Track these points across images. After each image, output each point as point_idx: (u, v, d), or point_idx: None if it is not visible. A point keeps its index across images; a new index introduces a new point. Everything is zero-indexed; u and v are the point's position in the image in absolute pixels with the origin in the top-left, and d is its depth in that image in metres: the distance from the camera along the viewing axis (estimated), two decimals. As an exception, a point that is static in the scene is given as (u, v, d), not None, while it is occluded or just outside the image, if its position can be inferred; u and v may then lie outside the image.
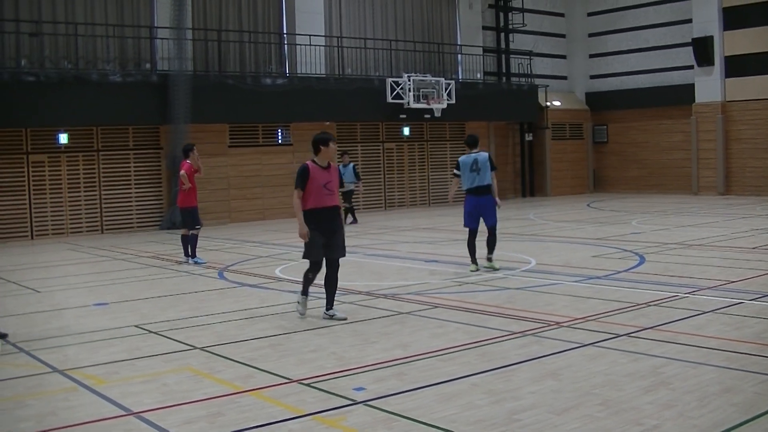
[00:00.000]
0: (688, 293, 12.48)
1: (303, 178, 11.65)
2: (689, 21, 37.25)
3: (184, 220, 18.78)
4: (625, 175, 40.90)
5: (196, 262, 18.40)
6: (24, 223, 26.83)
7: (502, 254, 17.68)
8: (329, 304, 11.77)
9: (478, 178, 15.53)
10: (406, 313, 11.80)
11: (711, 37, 35.90)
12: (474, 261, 15.80)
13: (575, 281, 13.84)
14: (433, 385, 8.04)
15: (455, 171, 15.90)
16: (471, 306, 12.05)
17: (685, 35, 37.71)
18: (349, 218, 27.50)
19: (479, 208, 15.68)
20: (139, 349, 10.15)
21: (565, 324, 10.58)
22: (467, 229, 15.94)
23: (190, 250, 18.66)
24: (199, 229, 18.74)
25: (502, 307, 11.95)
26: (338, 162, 25.77)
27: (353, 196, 28.55)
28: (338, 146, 32.88)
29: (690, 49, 36.77)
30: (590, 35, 42.45)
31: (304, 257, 11.71)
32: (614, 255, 17.17)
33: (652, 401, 7.28)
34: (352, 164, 27.77)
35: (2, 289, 15.88)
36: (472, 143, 15.87)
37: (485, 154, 15.77)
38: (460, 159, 15.82)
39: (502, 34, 40.28)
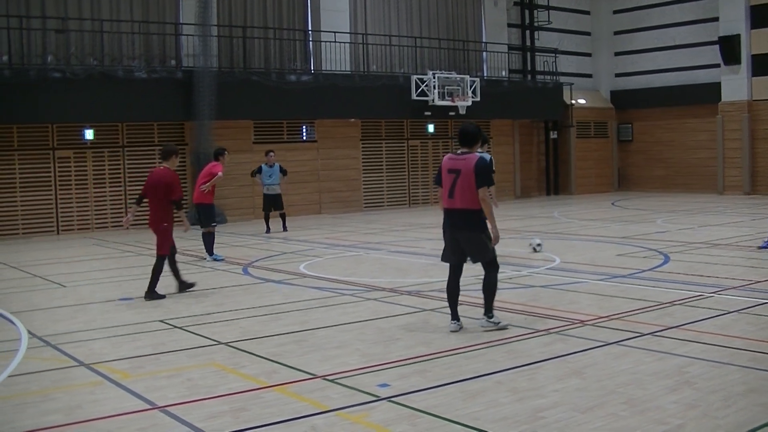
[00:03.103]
0: (713, 293, 12.44)
1: (491, 171, 10.61)
2: (716, 19, 37.02)
3: (200, 218, 18.89)
4: (650, 174, 40.73)
5: (214, 259, 18.46)
6: (50, 218, 26.98)
7: (526, 252, 17.68)
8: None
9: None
10: (430, 310, 11.82)
11: (738, 36, 35.68)
12: None
13: (600, 279, 13.82)
14: (456, 382, 8.06)
15: None
16: (495, 303, 12.00)
17: (711, 33, 37.47)
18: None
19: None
20: (163, 344, 10.21)
21: (589, 322, 10.56)
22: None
23: (207, 248, 18.71)
24: (215, 226, 18.89)
25: (527, 305, 11.94)
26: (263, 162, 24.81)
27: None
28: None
29: (716, 47, 36.57)
30: (616, 33, 42.25)
31: (492, 259, 10.58)
32: (639, 254, 17.12)
33: (676, 401, 7.27)
34: (277, 164, 24.86)
35: (29, 283, 15.99)
36: (482, 140, 15.79)
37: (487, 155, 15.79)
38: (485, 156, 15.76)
39: (527, 32, 40.15)
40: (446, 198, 10.40)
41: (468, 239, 10.34)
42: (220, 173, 18.52)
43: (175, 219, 14.02)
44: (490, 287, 10.45)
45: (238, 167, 27.64)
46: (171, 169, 14.12)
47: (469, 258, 10.49)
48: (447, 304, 10.70)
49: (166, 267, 13.99)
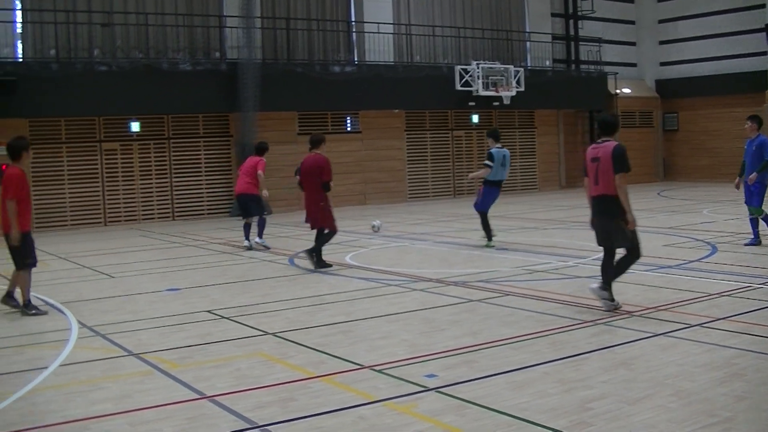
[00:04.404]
0: (762, 284, 12.30)
1: (627, 158, 10.62)
2: (761, 6, 36.65)
3: (246, 208, 19.19)
4: (695, 164, 40.39)
5: (263, 245, 18.96)
6: (97, 209, 27.23)
7: (572, 243, 17.61)
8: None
9: (503, 172, 17.61)
10: (477, 300, 11.78)
11: (784, 23, 35.32)
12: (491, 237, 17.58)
13: (646, 270, 13.71)
14: (503, 373, 8.03)
15: (488, 162, 17.47)
16: (542, 294, 11.99)
17: (757, 21, 37.06)
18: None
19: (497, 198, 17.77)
20: (211, 334, 10.27)
21: (636, 313, 10.49)
22: (479, 212, 17.72)
23: (244, 233, 19.25)
24: (267, 214, 19.43)
25: (573, 295, 11.88)
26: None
27: None
28: (405, 134, 32.93)
29: (762, 35, 36.13)
30: (660, 22, 41.91)
31: (636, 246, 10.80)
32: (686, 244, 16.98)
33: (725, 393, 7.20)
34: None
35: (77, 274, 16.14)
36: (497, 137, 17.82)
37: (508, 151, 17.85)
38: (492, 151, 17.37)
39: (571, 21, 39.93)
40: (593, 185, 10.72)
41: (610, 225, 10.66)
42: (261, 172, 18.90)
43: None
44: (621, 266, 10.81)
45: (282, 158, 27.74)
46: (322, 155, 15.44)
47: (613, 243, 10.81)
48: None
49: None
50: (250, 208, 19.10)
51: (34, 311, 11.95)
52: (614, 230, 10.64)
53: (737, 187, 16.97)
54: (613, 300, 10.69)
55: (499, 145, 17.81)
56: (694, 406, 6.87)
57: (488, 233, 17.60)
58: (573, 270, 14.31)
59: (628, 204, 10.52)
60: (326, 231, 15.49)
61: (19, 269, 11.94)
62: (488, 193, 17.68)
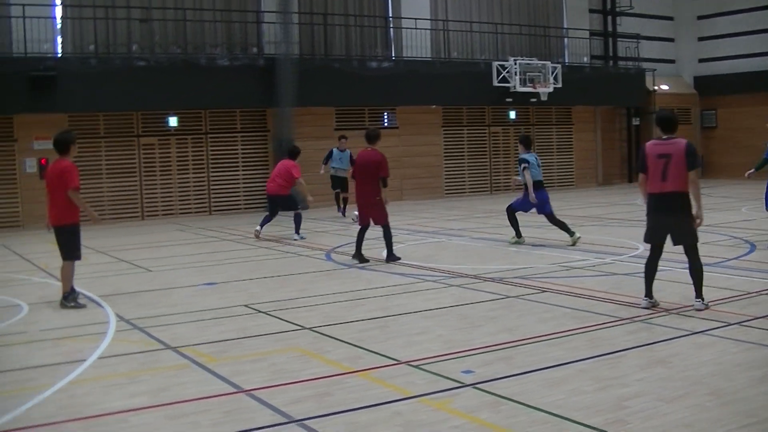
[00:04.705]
0: (802, 282, 12.22)
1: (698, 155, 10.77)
2: (802, 2, 36.32)
3: (280, 208, 20.33)
4: (734, 161, 39.91)
5: (301, 238, 19.78)
6: (135, 203, 27.41)
7: (609, 239, 17.54)
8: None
9: (540, 173, 17.59)
10: (513, 297, 11.76)
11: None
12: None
13: (684, 268, 13.47)
14: (540, 370, 8.02)
15: (526, 165, 17.35)
16: (579, 291, 11.95)
17: (798, 17, 36.76)
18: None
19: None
20: (247, 329, 10.32)
21: (674, 311, 10.43)
22: (543, 214, 17.67)
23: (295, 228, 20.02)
24: (301, 209, 20.31)
25: (610, 292, 11.83)
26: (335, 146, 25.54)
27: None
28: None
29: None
30: (699, 18, 41.54)
31: (695, 243, 10.70)
32: (724, 242, 16.85)
33: (763, 392, 7.15)
34: (349, 151, 24.86)
35: (115, 267, 16.26)
36: (529, 144, 17.80)
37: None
38: (526, 157, 17.28)
39: (609, 17, 39.68)
40: (657, 182, 10.54)
41: (677, 222, 10.57)
42: (301, 180, 20.08)
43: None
44: (698, 271, 10.63)
45: (320, 153, 27.71)
46: (378, 150, 15.69)
47: (671, 240, 10.71)
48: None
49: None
50: (283, 207, 20.16)
51: (72, 304, 12.08)
52: (683, 227, 10.56)
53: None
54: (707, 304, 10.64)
55: (530, 150, 17.76)
56: (731, 406, 6.82)
57: (518, 229, 17.65)
58: (610, 267, 14.25)
59: (700, 200, 10.61)
60: (383, 226, 15.69)
61: (66, 260, 12.13)
62: (541, 194, 17.41)
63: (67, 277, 12.16)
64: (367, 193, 15.67)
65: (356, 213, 22.01)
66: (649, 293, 10.72)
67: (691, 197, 10.54)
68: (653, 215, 10.71)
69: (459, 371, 8.04)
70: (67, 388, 7.99)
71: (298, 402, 7.27)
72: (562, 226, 17.28)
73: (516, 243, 17.43)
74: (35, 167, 25.61)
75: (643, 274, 10.85)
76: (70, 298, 12.12)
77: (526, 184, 17.30)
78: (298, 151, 20.86)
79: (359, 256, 15.70)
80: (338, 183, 25.29)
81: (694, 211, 10.57)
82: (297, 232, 19.86)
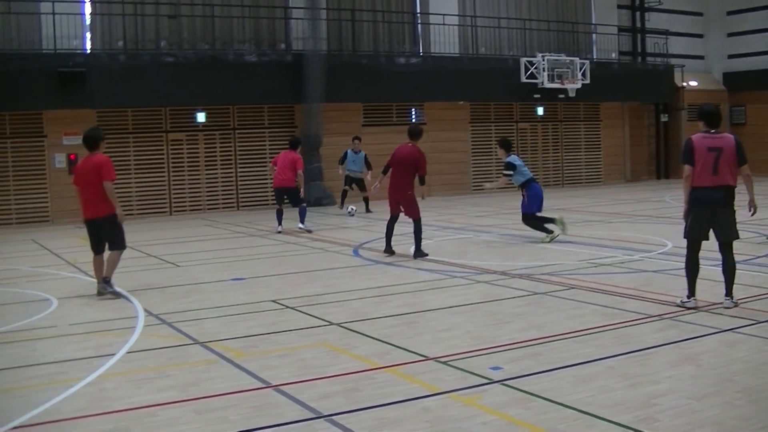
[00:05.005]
0: (834, 279, 12.12)
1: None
2: (834, -2, 36.00)
3: (288, 199, 20.96)
4: (763, 158, 39.57)
5: (307, 230, 20.62)
6: (163, 199, 27.52)
7: (637, 236, 17.45)
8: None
9: (528, 170, 18.02)
10: (542, 293, 11.71)
11: None
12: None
13: (713, 265, 13.44)
14: (568, 367, 7.98)
15: (507, 172, 17.85)
16: (607, 288, 11.89)
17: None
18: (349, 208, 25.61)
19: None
20: (275, 324, 10.32)
21: (703, 308, 10.35)
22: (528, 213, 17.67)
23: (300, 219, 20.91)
24: (305, 204, 21.12)
25: (639, 289, 11.76)
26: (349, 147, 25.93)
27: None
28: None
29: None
30: (728, 13, 41.23)
31: (735, 239, 10.74)
32: (753, 239, 16.70)
33: (795, 390, 7.10)
34: (363, 152, 25.72)
35: (144, 262, 16.32)
36: (510, 146, 18.35)
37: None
38: (511, 160, 17.84)
39: (637, 13, 39.46)
40: (708, 175, 10.40)
41: (725, 216, 10.52)
42: (301, 172, 20.49)
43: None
44: (732, 269, 10.61)
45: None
46: (418, 147, 15.93)
47: (714, 235, 10.64)
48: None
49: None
50: (290, 199, 20.69)
51: (110, 291, 12.42)
52: (729, 222, 10.54)
53: None
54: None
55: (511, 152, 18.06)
56: (761, 404, 6.78)
57: (546, 229, 17.48)
58: (639, 264, 14.17)
59: (753, 191, 10.76)
60: (414, 220, 15.83)
61: (113, 249, 12.59)
62: (536, 191, 17.65)
63: (113, 262, 12.57)
64: (401, 186, 15.82)
65: (352, 207, 24.07)
66: (692, 292, 10.56)
67: (747, 190, 10.64)
68: (699, 209, 10.49)
69: (487, 367, 8.01)
70: (96, 381, 8.02)
71: (326, 397, 7.26)
72: (537, 227, 17.45)
73: (552, 240, 17.19)
74: (64, 162, 25.77)
75: (684, 273, 10.69)
76: (109, 285, 12.46)
77: (519, 186, 17.57)
78: (299, 142, 21.61)
79: (389, 248, 15.95)
80: (352, 182, 25.81)
81: (748, 200, 10.66)
82: (302, 222, 20.71)
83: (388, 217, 16.23)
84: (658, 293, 11.29)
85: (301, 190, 20.66)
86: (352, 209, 24.69)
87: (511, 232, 19.19)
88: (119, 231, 12.68)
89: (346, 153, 25.70)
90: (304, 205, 20.91)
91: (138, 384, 7.90)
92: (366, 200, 25.65)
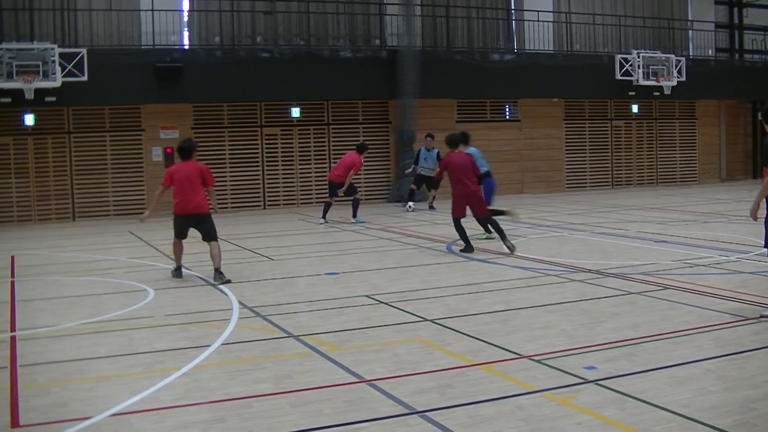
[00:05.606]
0: None
1: None
2: None
3: (332, 193, 22.50)
4: None
5: (358, 222, 22.15)
6: (257, 193, 27.82)
7: (733, 237, 17.15)
8: None
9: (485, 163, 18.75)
10: (636, 293, 11.58)
11: None
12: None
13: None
14: (664, 368, 7.86)
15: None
16: (702, 289, 11.70)
17: None
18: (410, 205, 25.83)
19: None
20: (370, 319, 10.37)
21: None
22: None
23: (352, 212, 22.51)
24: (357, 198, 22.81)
25: (735, 291, 11.54)
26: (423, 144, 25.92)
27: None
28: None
29: None
30: (830, 8, 40.31)
31: None
32: None
33: None
34: (437, 150, 25.04)
35: (238, 256, 16.50)
36: (468, 139, 18.22)
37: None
38: (470, 151, 17.57)
39: (735, 9, 38.73)
40: None
41: None
42: (352, 171, 22.00)
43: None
44: None
45: (442, 145, 27.66)
46: (464, 153, 16.65)
47: None
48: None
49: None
50: (337, 193, 22.21)
51: (226, 277, 13.26)
52: None
53: None
54: None
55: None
56: None
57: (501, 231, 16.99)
58: (735, 265, 13.90)
59: None
60: (485, 219, 16.44)
61: (213, 241, 13.61)
62: (491, 186, 19.11)
63: (219, 253, 13.56)
64: (471, 190, 16.21)
65: (411, 203, 25.35)
66: None
67: None
68: None
69: (582, 367, 7.94)
70: (192, 372, 8.14)
71: (420, 393, 7.27)
72: (483, 224, 17.24)
73: (488, 239, 17.50)
74: (161, 156, 26.19)
75: (764, 273, 10.54)
76: (221, 273, 13.30)
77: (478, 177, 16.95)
78: (366, 148, 23.04)
79: (468, 246, 16.05)
80: (422, 180, 25.78)
81: None
82: (354, 215, 22.30)
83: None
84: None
85: (347, 183, 21.98)
86: (411, 206, 25.45)
87: (605, 231, 19.00)
88: (214, 225, 13.81)
89: (419, 152, 25.81)
90: (357, 198, 22.70)
91: (233, 375, 8.00)
92: (433, 198, 25.57)
